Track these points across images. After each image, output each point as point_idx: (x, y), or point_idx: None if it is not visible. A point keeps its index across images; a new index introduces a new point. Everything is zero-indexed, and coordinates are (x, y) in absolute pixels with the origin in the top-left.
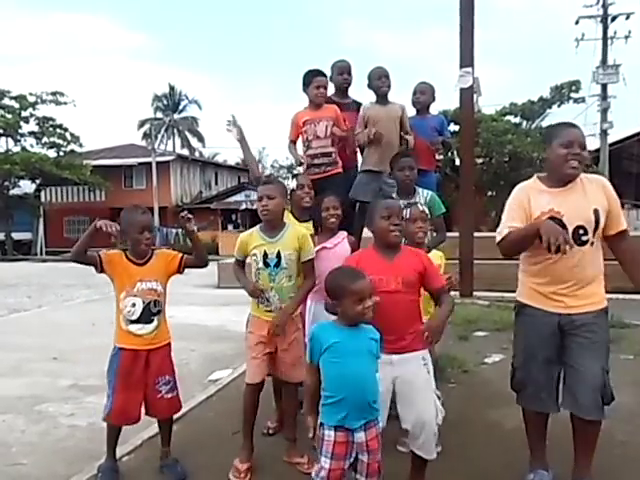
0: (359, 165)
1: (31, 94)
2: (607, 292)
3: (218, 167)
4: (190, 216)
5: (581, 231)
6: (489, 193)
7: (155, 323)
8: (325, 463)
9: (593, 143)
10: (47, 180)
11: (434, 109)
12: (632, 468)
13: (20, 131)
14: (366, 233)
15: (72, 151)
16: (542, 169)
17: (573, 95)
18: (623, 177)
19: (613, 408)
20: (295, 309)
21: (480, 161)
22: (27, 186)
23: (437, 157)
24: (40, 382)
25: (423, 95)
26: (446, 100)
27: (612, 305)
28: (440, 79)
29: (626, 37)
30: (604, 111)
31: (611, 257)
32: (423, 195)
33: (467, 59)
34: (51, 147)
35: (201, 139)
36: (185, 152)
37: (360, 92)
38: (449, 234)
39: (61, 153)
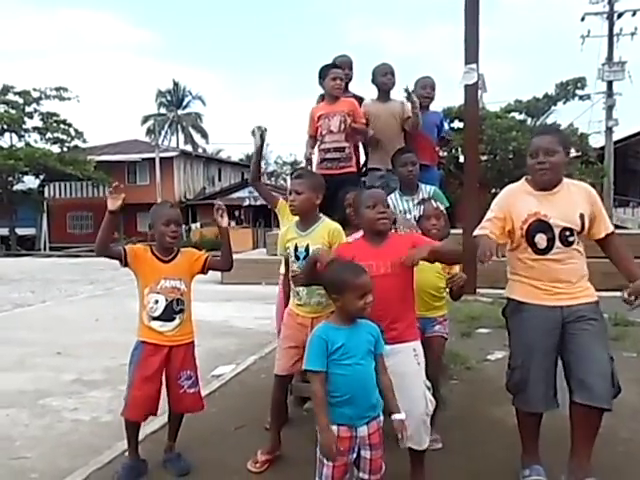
0: (361, 161)
1: (35, 89)
2: (610, 290)
3: (222, 163)
4: (224, 208)
5: (567, 233)
6: (493, 190)
7: (177, 321)
8: (328, 460)
9: (598, 141)
10: (51, 175)
11: (437, 105)
12: (636, 465)
13: (24, 126)
14: None
15: (76, 147)
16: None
17: (578, 92)
18: (628, 175)
19: (617, 405)
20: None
21: (484, 158)
22: (31, 181)
23: (440, 153)
24: (44, 377)
25: (433, 91)
26: (451, 97)
27: (615, 303)
28: (445, 76)
29: (632, 34)
30: (609, 108)
31: None
32: (426, 190)
33: (472, 56)
34: (55, 142)
35: (205, 135)
36: (189, 148)
37: (362, 88)
38: (453, 231)
39: (65, 149)
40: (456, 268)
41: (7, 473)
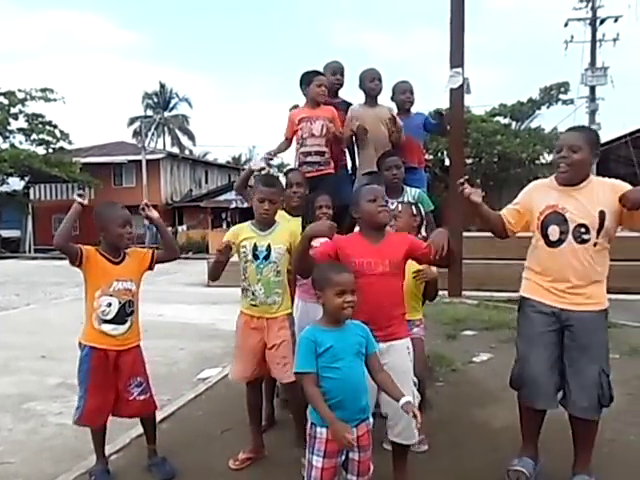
0: (348, 165)
1: (20, 90)
2: None
3: (208, 165)
4: (149, 203)
5: (582, 229)
6: None
7: (128, 324)
8: (317, 462)
9: None
10: (36, 177)
11: (421, 109)
12: (619, 466)
13: (9, 128)
14: None
15: (61, 148)
16: (531, 170)
17: (562, 97)
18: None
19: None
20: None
21: (470, 161)
22: (16, 183)
23: (426, 157)
24: (28, 380)
25: (412, 94)
26: (437, 100)
27: None
28: (430, 80)
29: (614, 40)
30: (592, 113)
31: None
32: (411, 193)
33: (457, 60)
34: (40, 144)
35: (191, 137)
36: (175, 150)
37: (349, 92)
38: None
39: (50, 150)
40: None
41: None
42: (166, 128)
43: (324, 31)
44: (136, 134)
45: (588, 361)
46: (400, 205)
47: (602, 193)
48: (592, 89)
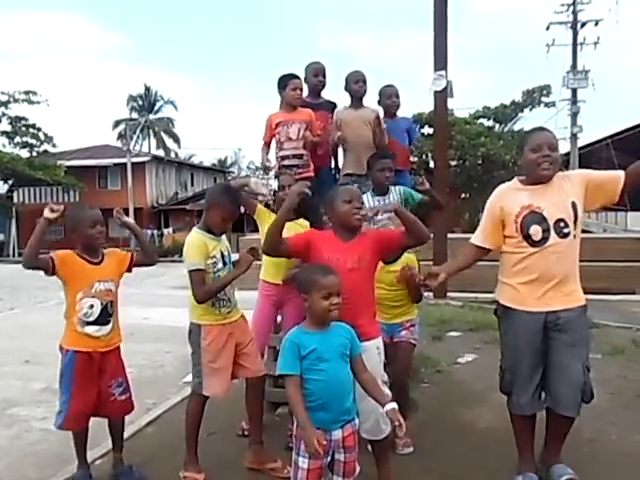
0: (332, 165)
1: (3, 93)
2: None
3: (194, 168)
4: (120, 210)
5: (562, 224)
6: (463, 195)
7: (111, 324)
8: (303, 463)
9: (563, 147)
10: (20, 181)
11: (406, 111)
12: (600, 465)
13: None
14: None
15: (45, 151)
16: (515, 171)
17: (544, 99)
18: None
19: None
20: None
21: (454, 163)
22: None
23: (411, 159)
24: (12, 385)
25: (398, 98)
26: (421, 103)
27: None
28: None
29: (595, 43)
30: (574, 115)
31: (580, 258)
32: (397, 192)
33: (441, 62)
34: (24, 147)
35: (177, 140)
36: (161, 153)
37: (333, 93)
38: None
39: (34, 153)
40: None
41: None
42: (151, 131)
43: (309, 33)
44: (121, 137)
45: (573, 359)
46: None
47: (568, 185)
48: (574, 92)
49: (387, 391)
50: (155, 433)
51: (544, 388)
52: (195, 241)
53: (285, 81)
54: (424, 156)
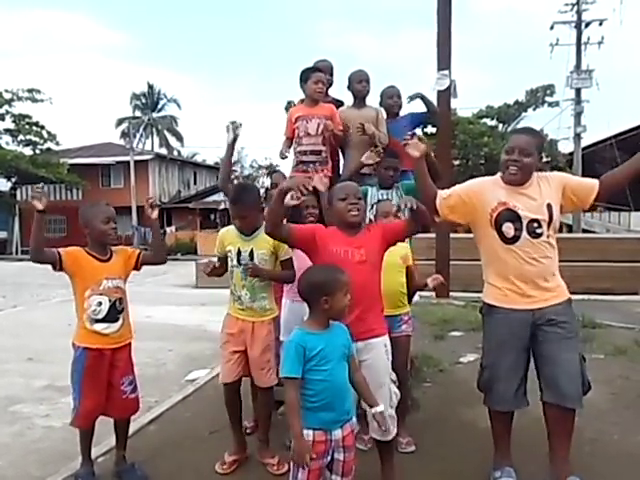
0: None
1: (7, 91)
2: (578, 293)
3: (197, 167)
4: (155, 200)
5: (535, 224)
6: None
7: (120, 322)
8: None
9: (567, 147)
10: (23, 178)
11: (409, 111)
12: (601, 465)
13: None
14: None
15: (49, 149)
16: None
17: (548, 99)
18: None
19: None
20: (267, 276)
21: (457, 163)
22: (2, 184)
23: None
24: (15, 383)
25: (400, 99)
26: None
27: (584, 306)
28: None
29: (599, 43)
30: (578, 115)
31: (580, 259)
32: (402, 188)
33: (444, 62)
34: (27, 145)
35: (180, 138)
36: (164, 151)
37: (336, 93)
38: (426, 235)
39: (37, 151)
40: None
41: None
42: (154, 129)
43: (312, 32)
44: (124, 135)
45: (569, 351)
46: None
47: (546, 188)
48: (577, 91)
49: (396, 390)
50: (157, 431)
51: (540, 385)
52: (221, 232)
53: (307, 74)
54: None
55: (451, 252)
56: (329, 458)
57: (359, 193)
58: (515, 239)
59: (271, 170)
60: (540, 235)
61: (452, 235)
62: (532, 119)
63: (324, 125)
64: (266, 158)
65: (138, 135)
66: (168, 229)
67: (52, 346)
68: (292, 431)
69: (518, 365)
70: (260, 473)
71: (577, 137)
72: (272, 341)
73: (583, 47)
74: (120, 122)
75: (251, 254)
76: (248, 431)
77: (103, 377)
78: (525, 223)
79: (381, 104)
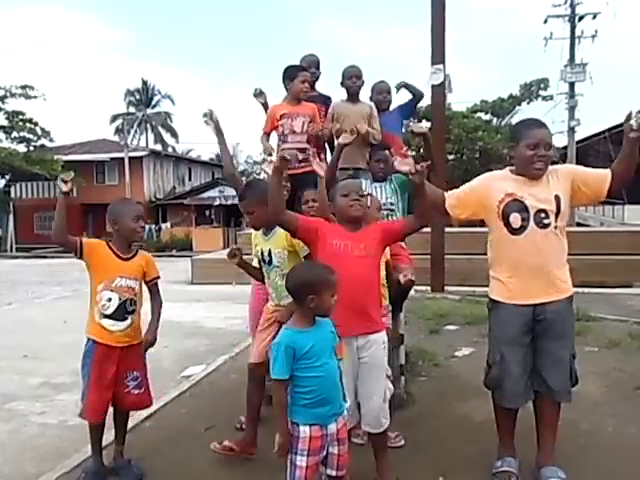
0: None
1: (0, 88)
2: (573, 286)
3: (192, 163)
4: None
5: (542, 214)
6: None
7: (129, 322)
8: (301, 462)
9: (561, 140)
10: (17, 175)
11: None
12: (596, 457)
13: None
14: None
15: (42, 146)
16: (512, 165)
17: (542, 93)
18: None
19: (577, 398)
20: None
21: (451, 157)
22: None
23: (408, 152)
24: (10, 380)
25: (389, 94)
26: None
27: (578, 298)
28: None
29: (593, 37)
30: (572, 109)
31: (575, 252)
32: (396, 181)
33: (438, 56)
34: (21, 142)
35: (175, 134)
36: (158, 147)
37: (331, 88)
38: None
39: (31, 148)
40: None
41: None
42: (149, 125)
43: (307, 28)
44: (118, 131)
45: (562, 349)
46: (369, 198)
47: (554, 180)
48: (571, 85)
49: (390, 385)
50: (153, 427)
51: (534, 378)
52: (252, 236)
53: (294, 72)
54: (421, 150)
55: (446, 246)
56: (325, 453)
57: (361, 190)
58: (522, 229)
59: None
60: (547, 225)
61: (447, 230)
62: (526, 113)
63: (307, 130)
64: (260, 154)
65: (132, 131)
66: (163, 225)
67: (47, 343)
68: (281, 430)
69: (526, 361)
70: (257, 467)
71: (571, 131)
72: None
73: (577, 41)
74: (114, 118)
75: (270, 254)
76: (244, 427)
77: (111, 371)
78: (532, 213)
79: (371, 99)
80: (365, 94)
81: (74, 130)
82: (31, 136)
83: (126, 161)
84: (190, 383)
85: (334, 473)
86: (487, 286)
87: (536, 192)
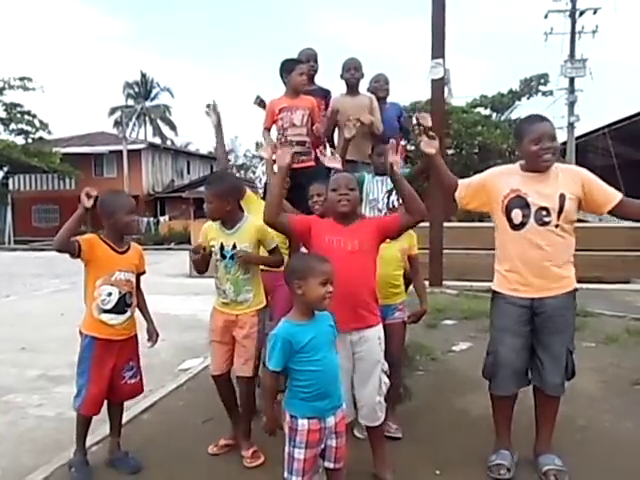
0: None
1: None
2: None
3: (190, 156)
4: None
5: (544, 212)
6: None
7: (128, 314)
8: (299, 454)
9: (560, 136)
10: (15, 168)
11: (403, 100)
12: (592, 452)
13: None
14: None
15: (41, 138)
16: (511, 160)
17: (542, 88)
18: (589, 169)
19: (574, 393)
20: (254, 261)
21: (451, 152)
22: None
23: (407, 147)
24: (8, 373)
25: (387, 84)
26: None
27: (576, 294)
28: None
29: (593, 32)
30: (571, 104)
31: (575, 247)
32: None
33: (438, 50)
34: (19, 134)
35: (173, 127)
36: (157, 140)
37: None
38: (420, 224)
39: (29, 140)
40: (415, 250)
41: None
42: (147, 118)
43: (307, 20)
44: (117, 124)
45: (559, 344)
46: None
47: (563, 178)
48: (571, 81)
49: (386, 380)
50: (151, 420)
51: (532, 369)
52: (204, 226)
53: (291, 66)
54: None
55: (445, 241)
56: (323, 446)
57: (351, 184)
58: (522, 225)
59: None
60: (547, 223)
61: (446, 224)
62: (526, 108)
63: (306, 123)
64: (257, 150)
65: (131, 124)
66: (161, 218)
67: (45, 336)
68: (267, 414)
69: (523, 351)
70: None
71: (570, 126)
72: (255, 332)
73: (577, 36)
74: (113, 111)
75: (234, 248)
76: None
77: (109, 365)
78: (534, 210)
79: (369, 89)
80: (364, 87)
81: (72, 122)
82: (29, 128)
83: (125, 154)
84: (188, 376)
85: (332, 465)
86: (485, 281)
87: (541, 189)
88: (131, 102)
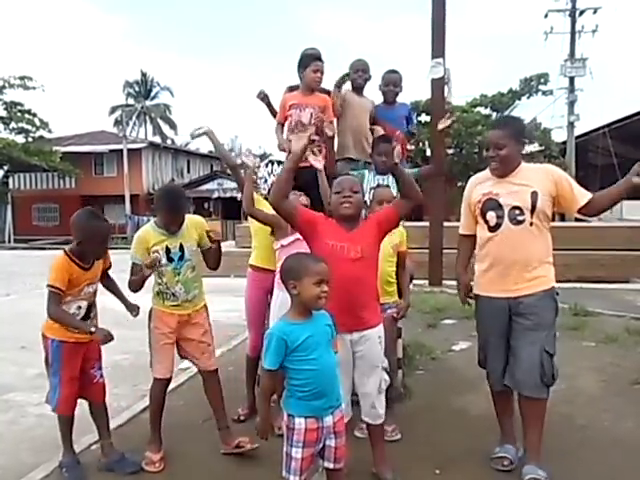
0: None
1: None
2: (570, 281)
3: (190, 155)
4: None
5: (517, 211)
6: (459, 184)
7: (92, 320)
8: (296, 453)
9: (560, 135)
10: (15, 166)
11: (403, 98)
12: (592, 451)
13: None
14: None
15: (41, 137)
16: None
17: (542, 87)
18: (589, 169)
19: (573, 393)
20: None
21: (451, 152)
22: None
23: (408, 147)
24: (8, 371)
25: (396, 87)
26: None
27: (576, 294)
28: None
29: (593, 31)
30: (571, 104)
31: (572, 247)
32: None
33: (439, 50)
34: (19, 133)
35: (173, 126)
36: (157, 139)
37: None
38: (420, 224)
39: (30, 139)
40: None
41: None
42: (148, 117)
43: (307, 19)
44: (117, 123)
45: (530, 342)
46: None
47: (536, 177)
48: (571, 80)
49: (386, 377)
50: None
51: (507, 369)
52: (139, 233)
53: (307, 61)
54: (421, 144)
55: (444, 240)
56: (321, 445)
57: (355, 187)
58: (497, 227)
59: (270, 160)
60: (522, 222)
61: (445, 224)
62: (526, 108)
63: (316, 122)
64: (260, 147)
65: (131, 123)
66: None
67: None
68: (261, 416)
69: (500, 349)
70: (253, 459)
71: (570, 126)
72: (209, 326)
73: (577, 35)
74: (113, 110)
75: (181, 248)
76: (242, 418)
77: (79, 366)
78: (507, 210)
79: (379, 88)
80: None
81: (73, 121)
82: (29, 127)
83: (125, 153)
84: (187, 375)
85: (332, 466)
86: None
87: (511, 188)
88: (131, 101)
